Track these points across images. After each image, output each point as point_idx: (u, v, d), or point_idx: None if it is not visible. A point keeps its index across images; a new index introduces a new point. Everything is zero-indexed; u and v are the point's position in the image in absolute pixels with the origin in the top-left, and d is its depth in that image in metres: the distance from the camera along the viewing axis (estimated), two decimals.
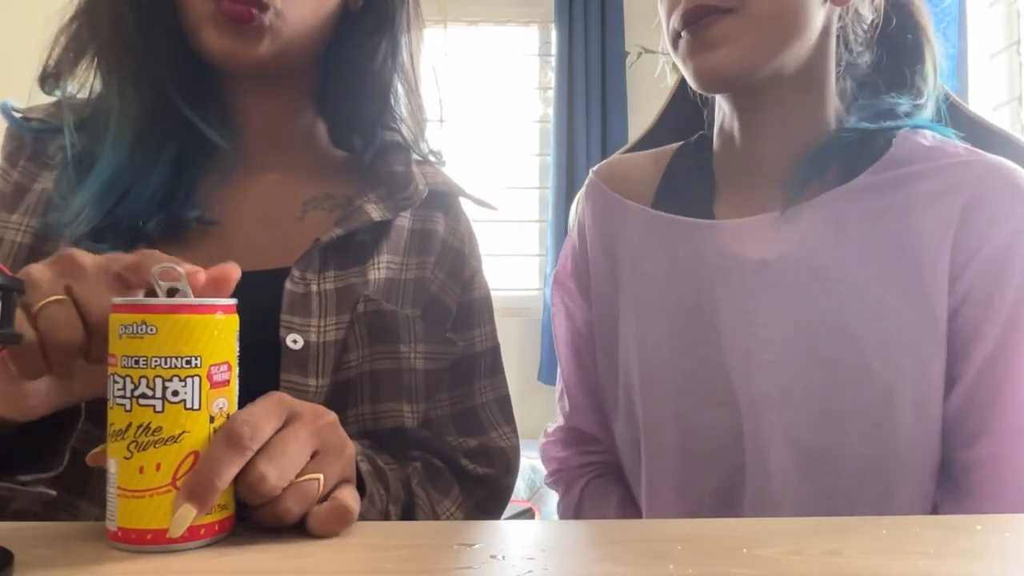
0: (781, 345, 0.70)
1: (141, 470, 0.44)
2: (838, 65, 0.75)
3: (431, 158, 0.82)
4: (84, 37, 0.72)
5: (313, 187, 0.76)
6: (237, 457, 0.46)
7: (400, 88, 0.79)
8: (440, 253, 0.78)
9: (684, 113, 0.90)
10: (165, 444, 0.44)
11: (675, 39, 0.72)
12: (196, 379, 0.45)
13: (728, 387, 0.72)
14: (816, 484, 0.69)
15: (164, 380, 0.44)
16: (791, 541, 0.49)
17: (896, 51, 0.78)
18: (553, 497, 0.94)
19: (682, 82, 0.90)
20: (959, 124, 0.79)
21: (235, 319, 0.49)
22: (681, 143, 0.86)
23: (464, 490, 0.75)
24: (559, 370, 0.91)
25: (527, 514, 2.48)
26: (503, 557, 0.47)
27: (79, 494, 0.64)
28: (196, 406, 0.45)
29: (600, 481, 0.86)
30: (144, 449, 0.44)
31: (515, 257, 3.64)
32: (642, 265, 0.79)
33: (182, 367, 0.45)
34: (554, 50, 3.51)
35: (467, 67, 3.64)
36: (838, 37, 0.75)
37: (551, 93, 3.54)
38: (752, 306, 0.72)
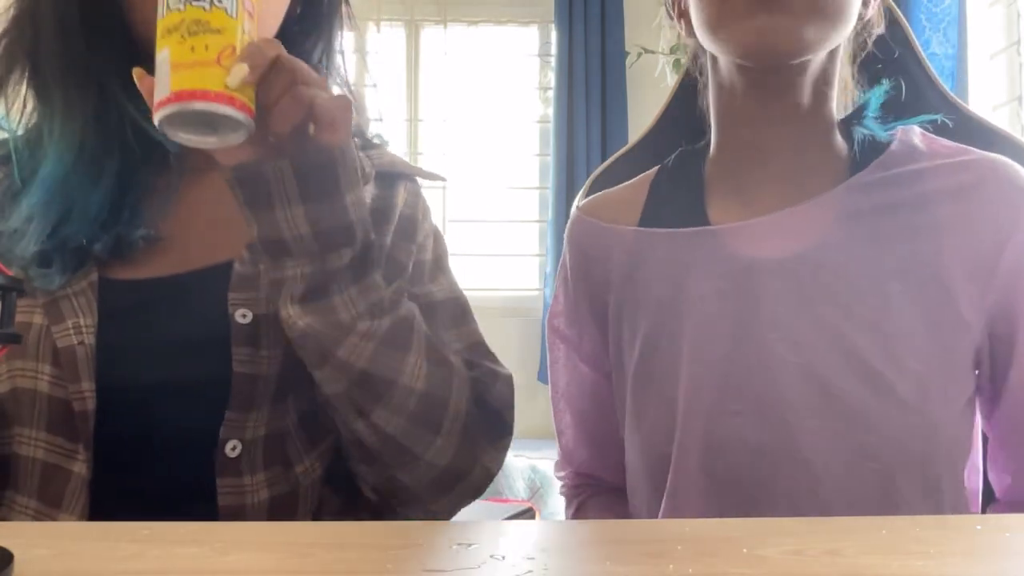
0: (809, 347, 0.69)
1: (192, 49, 0.54)
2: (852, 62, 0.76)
3: (375, 141, 0.83)
4: (19, 49, 0.70)
5: None
6: (276, 47, 0.56)
7: (335, 89, 0.79)
8: (398, 221, 0.78)
9: (684, 114, 0.89)
10: (212, 33, 0.54)
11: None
12: None
13: (755, 395, 0.70)
14: (862, 483, 0.68)
15: None
16: (791, 541, 0.49)
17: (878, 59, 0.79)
18: (553, 497, 0.94)
19: (682, 82, 0.90)
20: (959, 123, 0.79)
21: None
22: (659, 165, 0.84)
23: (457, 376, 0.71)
24: (554, 409, 0.89)
25: (527, 514, 2.48)
26: (503, 557, 0.47)
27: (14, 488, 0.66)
28: (234, 14, 0.56)
29: (601, 497, 0.86)
30: (195, 35, 0.54)
31: (515, 257, 3.65)
32: (647, 288, 0.77)
33: None
34: (554, 50, 3.52)
35: (467, 67, 3.65)
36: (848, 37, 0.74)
37: (551, 93, 3.55)
38: (774, 309, 0.70)
